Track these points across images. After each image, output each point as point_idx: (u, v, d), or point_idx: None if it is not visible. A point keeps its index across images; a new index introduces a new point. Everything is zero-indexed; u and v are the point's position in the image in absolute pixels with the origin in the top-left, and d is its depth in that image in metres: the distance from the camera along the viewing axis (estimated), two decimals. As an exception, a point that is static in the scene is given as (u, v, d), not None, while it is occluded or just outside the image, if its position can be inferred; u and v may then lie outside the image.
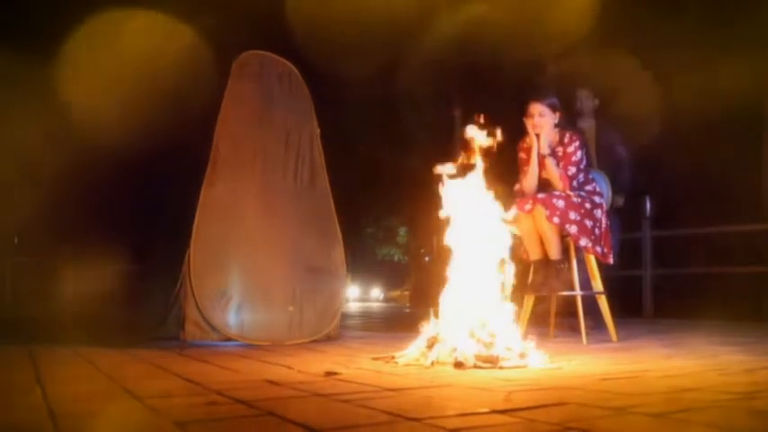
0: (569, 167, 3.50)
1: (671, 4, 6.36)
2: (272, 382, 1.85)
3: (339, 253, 3.84)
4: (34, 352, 2.82)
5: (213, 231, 3.40)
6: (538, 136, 3.53)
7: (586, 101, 4.58)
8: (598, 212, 3.47)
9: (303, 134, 3.87)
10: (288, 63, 3.96)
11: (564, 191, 3.45)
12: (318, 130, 3.96)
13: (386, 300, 24.55)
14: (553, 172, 3.50)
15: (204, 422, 1.31)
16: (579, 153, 3.55)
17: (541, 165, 3.54)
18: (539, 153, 3.53)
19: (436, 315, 2.47)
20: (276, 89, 3.85)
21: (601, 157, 4.41)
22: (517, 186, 3.64)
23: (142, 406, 1.47)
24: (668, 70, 5.86)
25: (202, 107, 3.86)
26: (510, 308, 2.46)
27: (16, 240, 6.69)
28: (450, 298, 2.47)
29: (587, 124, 4.52)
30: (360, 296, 28.79)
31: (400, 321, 6.25)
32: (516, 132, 3.65)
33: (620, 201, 4.50)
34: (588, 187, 3.55)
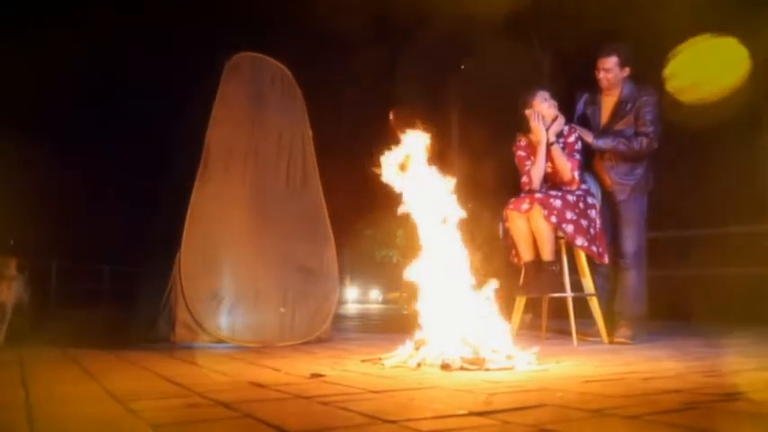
0: (574, 154, 3.53)
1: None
2: (256, 384, 1.85)
3: (331, 254, 3.83)
4: (23, 352, 2.83)
5: (204, 233, 3.40)
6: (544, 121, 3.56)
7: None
8: (592, 212, 3.47)
9: (295, 136, 3.88)
10: (280, 65, 3.97)
11: (572, 171, 3.48)
12: (311, 132, 3.96)
13: (385, 301, 24.52)
14: (560, 159, 3.51)
15: (180, 424, 1.31)
16: (580, 144, 3.57)
17: (548, 155, 3.54)
18: (546, 142, 3.53)
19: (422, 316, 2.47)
20: (268, 91, 3.86)
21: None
22: (524, 179, 3.63)
23: (122, 408, 1.47)
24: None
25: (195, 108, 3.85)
26: (496, 310, 2.46)
27: (12, 242, 6.71)
28: (434, 300, 2.47)
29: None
30: (359, 298, 28.76)
31: (397, 323, 6.24)
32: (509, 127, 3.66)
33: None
34: (583, 186, 3.55)
